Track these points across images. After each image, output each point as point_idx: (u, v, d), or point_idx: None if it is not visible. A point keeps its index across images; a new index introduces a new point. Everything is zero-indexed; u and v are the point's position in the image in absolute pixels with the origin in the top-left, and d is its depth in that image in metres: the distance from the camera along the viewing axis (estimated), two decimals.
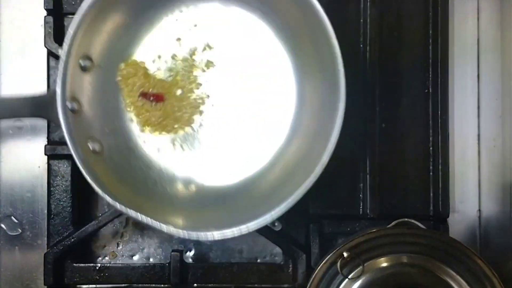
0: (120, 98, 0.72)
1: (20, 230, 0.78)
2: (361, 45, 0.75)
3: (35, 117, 0.70)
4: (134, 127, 0.72)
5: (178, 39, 0.72)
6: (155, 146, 0.73)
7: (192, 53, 0.72)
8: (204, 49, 0.72)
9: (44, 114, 0.67)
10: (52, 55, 0.75)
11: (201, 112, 0.72)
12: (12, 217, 0.78)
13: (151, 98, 0.71)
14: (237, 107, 0.72)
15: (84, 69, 0.67)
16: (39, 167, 0.77)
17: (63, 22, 0.75)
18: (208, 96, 0.72)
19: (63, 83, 0.65)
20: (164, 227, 0.63)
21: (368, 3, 0.75)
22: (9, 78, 0.78)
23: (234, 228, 0.63)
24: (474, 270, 0.66)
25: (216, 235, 0.63)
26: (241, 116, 0.72)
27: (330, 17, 0.75)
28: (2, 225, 0.78)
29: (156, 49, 0.72)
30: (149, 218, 0.63)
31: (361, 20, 0.76)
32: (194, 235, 0.63)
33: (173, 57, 0.72)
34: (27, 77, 0.78)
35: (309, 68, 0.70)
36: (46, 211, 0.76)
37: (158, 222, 0.63)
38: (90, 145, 0.68)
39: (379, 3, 0.75)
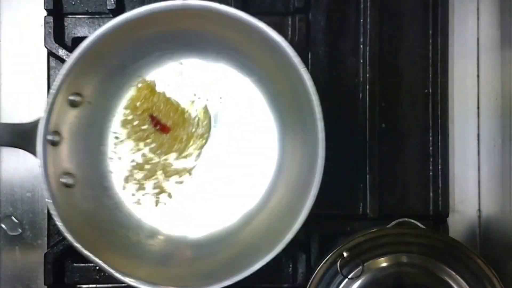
0: (104, 134, 0.71)
1: (20, 230, 0.78)
2: (361, 45, 0.76)
3: (12, 147, 0.68)
4: (113, 165, 0.72)
5: (175, 90, 0.72)
6: (130, 191, 0.72)
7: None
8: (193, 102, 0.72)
9: (23, 145, 0.65)
10: (52, 55, 0.75)
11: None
12: (12, 217, 0.78)
13: (158, 125, 0.71)
14: (217, 161, 0.72)
15: (73, 104, 0.66)
16: (39, 167, 0.77)
17: (63, 22, 0.75)
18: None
19: (48, 117, 0.63)
20: (122, 278, 0.63)
21: (368, 3, 0.75)
22: (9, 79, 0.78)
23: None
24: (473, 270, 0.66)
25: None
26: (219, 171, 0.72)
27: (329, 17, 0.75)
28: (3, 225, 0.78)
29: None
30: (105, 266, 0.63)
31: (361, 20, 0.76)
32: None
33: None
34: (27, 77, 0.78)
35: (292, 139, 0.70)
36: (46, 211, 0.76)
37: (115, 271, 0.63)
38: (64, 178, 0.67)
39: (379, 3, 0.75)
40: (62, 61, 0.74)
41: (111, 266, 0.63)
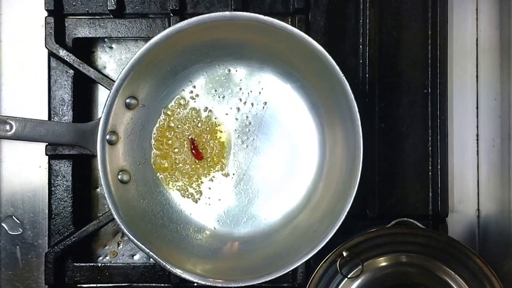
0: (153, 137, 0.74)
1: (21, 230, 0.78)
2: (361, 45, 0.76)
3: (75, 146, 0.72)
4: (164, 165, 0.74)
5: (222, 96, 0.74)
6: (181, 187, 0.74)
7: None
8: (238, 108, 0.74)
9: (83, 143, 0.70)
10: (53, 56, 0.75)
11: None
12: (13, 217, 0.78)
13: (193, 150, 0.73)
14: (262, 163, 0.74)
15: (128, 106, 0.70)
16: (40, 167, 0.78)
17: (64, 23, 0.75)
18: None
19: (106, 118, 0.67)
20: (172, 269, 0.66)
21: (368, 3, 0.75)
22: (10, 79, 0.78)
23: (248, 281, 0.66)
24: (473, 269, 0.66)
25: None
26: (265, 172, 0.74)
27: (329, 18, 0.75)
28: (3, 225, 0.78)
29: (196, 99, 0.74)
30: (160, 260, 0.66)
31: (361, 20, 0.76)
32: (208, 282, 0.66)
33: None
34: (28, 78, 0.78)
35: (333, 141, 0.72)
36: (47, 211, 0.76)
37: (166, 263, 0.66)
38: (120, 175, 0.70)
39: (379, 3, 0.76)
40: (63, 61, 0.74)
41: (162, 257, 0.66)
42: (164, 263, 0.66)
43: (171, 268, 0.66)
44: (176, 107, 0.74)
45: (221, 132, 0.74)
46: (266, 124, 0.74)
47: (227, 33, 0.68)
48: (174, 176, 0.74)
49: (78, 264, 0.75)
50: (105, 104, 0.67)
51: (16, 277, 0.78)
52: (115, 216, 0.66)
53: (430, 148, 0.75)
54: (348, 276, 0.66)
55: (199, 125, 0.74)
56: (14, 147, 0.78)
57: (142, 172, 0.72)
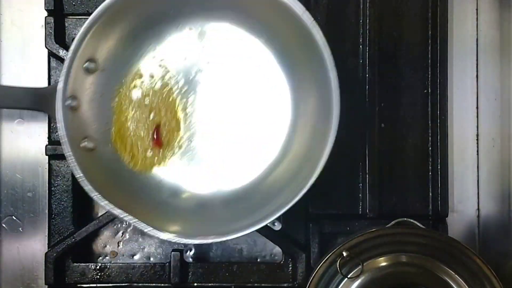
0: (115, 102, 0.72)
1: (21, 230, 0.78)
2: (361, 45, 0.76)
3: (33, 110, 0.70)
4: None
5: (184, 58, 0.73)
6: (148, 152, 0.73)
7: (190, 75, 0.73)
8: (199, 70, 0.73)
9: (43, 108, 0.68)
10: (53, 56, 0.75)
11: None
12: (13, 217, 0.78)
13: (155, 137, 0.72)
14: (233, 121, 0.73)
15: (87, 70, 0.68)
16: (40, 167, 0.78)
17: (64, 23, 0.75)
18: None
19: (65, 82, 0.65)
20: (158, 233, 0.65)
21: (368, 3, 0.75)
22: (10, 79, 0.78)
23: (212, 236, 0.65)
24: (473, 269, 0.66)
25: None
26: (236, 130, 0.73)
27: (329, 17, 0.75)
28: (3, 225, 0.78)
29: (158, 62, 0.73)
30: (141, 223, 0.65)
31: (361, 20, 0.76)
32: (188, 241, 0.65)
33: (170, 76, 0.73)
34: (28, 78, 0.78)
35: (305, 92, 0.71)
36: (47, 211, 0.76)
37: (150, 227, 0.65)
38: (85, 143, 0.68)
39: (379, 3, 0.75)
40: (63, 61, 0.74)
41: (149, 224, 0.65)
42: (145, 226, 0.64)
43: (155, 232, 0.64)
44: (137, 74, 0.72)
45: (186, 94, 0.72)
46: (235, 80, 0.73)
47: None
48: (142, 142, 0.72)
49: (78, 264, 0.75)
50: (64, 67, 0.65)
51: (16, 277, 0.78)
52: (84, 184, 0.65)
53: (430, 148, 0.75)
54: (348, 276, 0.66)
55: (162, 92, 0.72)
56: (14, 147, 0.78)
57: (107, 138, 0.71)
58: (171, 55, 0.73)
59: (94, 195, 0.65)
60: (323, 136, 0.66)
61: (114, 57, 0.70)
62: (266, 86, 0.73)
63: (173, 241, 0.65)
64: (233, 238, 0.65)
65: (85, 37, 0.65)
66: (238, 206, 0.71)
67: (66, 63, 0.65)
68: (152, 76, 0.73)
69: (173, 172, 0.73)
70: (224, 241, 0.66)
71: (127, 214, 0.65)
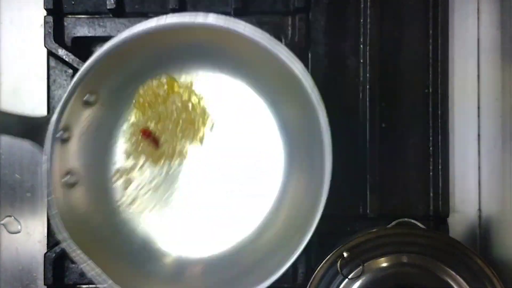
0: (111, 137, 0.71)
1: (20, 230, 0.78)
2: (361, 45, 0.76)
3: (22, 138, 0.67)
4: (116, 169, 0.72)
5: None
6: (131, 196, 0.72)
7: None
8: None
9: (33, 137, 0.65)
10: (52, 55, 0.75)
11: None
12: (12, 217, 0.78)
13: (150, 137, 0.71)
14: (222, 177, 0.72)
15: (86, 103, 0.67)
16: (39, 167, 0.77)
17: (63, 22, 0.75)
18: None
19: (61, 113, 0.63)
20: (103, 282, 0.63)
21: (368, 3, 0.75)
22: (9, 79, 0.78)
23: None
24: (474, 270, 0.66)
25: None
26: (225, 187, 0.72)
27: (330, 17, 0.75)
28: (3, 225, 0.78)
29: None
30: (95, 272, 0.63)
31: (361, 20, 0.76)
32: None
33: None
34: (27, 77, 0.78)
35: (298, 157, 0.70)
36: (46, 211, 0.76)
37: (99, 276, 0.63)
38: (67, 177, 0.67)
39: (379, 3, 0.75)
40: (62, 61, 0.74)
41: (100, 269, 0.63)
42: (96, 275, 0.62)
43: (102, 281, 0.63)
44: (138, 111, 0.71)
45: (187, 142, 0.72)
46: (231, 137, 0.72)
47: (199, 37, 0.66)
48: (128, 187, 0.71)
49: (77, 265, 0.74)
50: (62, 99, 0.63)
51: (15, 278, 0.77)
52: (55, 220, 0.62)
53: (431, 148, 0.75)
54: (349, 277, 0.66)
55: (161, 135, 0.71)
56: (13, 147, 0.78)
57: (92, 176, 0.69)
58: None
59: (63, 233, 0.63)
60: (315, 197, 0.64)
61: (114, 93, 0.69)
62: (263, 147, 0.72)
63: None
64: None
65: (88, 71, 0.63)
66: (223, 272, 0.69)
67: (66, 94, 0.63)
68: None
69: (153, 230, 0.72)
70: None
71: (89, 259, 0.63)
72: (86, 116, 0.68)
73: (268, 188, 0.72)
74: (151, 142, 0.71)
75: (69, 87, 0.63)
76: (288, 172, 0.72)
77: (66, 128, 0.65)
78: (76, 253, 0.63)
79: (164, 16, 0.62)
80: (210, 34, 0.64)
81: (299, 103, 0.65)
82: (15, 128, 0.65)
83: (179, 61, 0.70)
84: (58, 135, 0.64)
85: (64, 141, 0.66)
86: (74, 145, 0.67)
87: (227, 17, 0.62)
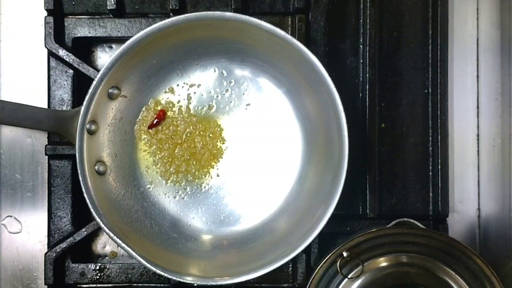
0: (134, 126, 0.73)
1: (20, 230, 0.78)
2: (361, 45, 0.76)
3: (52, 132, 0.72)
4: (144, 158, 0.74)
5: (207, 96, 0.74)
6: (157, 183, 0.74)
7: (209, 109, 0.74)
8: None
9: (62, 131, 0.69)
10: (52, 56, 0.75)
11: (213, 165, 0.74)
12: (13, 217, 0.78)
13: (155, 121, 0.73)
14: (248, 160, 0.74)
15: (110, 96, 0.70)
16: (39, 167, 0.78)
17: (63, 23, 0.75)
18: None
19: (88, 106, 0.67)
20: (146, 264, 0.66)
21: (368, 3, 0.75)
22: (10, 79, 0.78)
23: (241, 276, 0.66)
24: (473, 269, 0.66)
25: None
26: (251, 169, 0.74)
27: (329, 17, 0.75)
28: (3, 225, 0.78)
29: (179, 97, 0.74)
30: (132, 251, 0.66)
31: (361, 20, 0.76)
32: (174, 277, 0.66)
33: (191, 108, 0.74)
34: (27, 77, 0.78)
35: (316, 144, 0.72)
36: (46, 211, 0.76)
37: (140, 257, 0.66)
38: (97, 166, 0.70)
39: (379, 3, 0.76)
40: (62, 61, 0.74)
41: (137, 252, 0.66)
42: (138, 257, 0.65)
43: (145, 263, 0.65)
44: (159, 102, 0.73)
45: (210, 134, 0.74)
46: (251, 126, 0.74)
47: (219, 32, 0.68)
48: (154, 171, 0.74)
49: (77, 265, 0.75)
50: (88, 92, 0.67)
51: (15, 277, 0.78)
52: (90, 207, 0.66)
53: (430, 148, 0.75)
54: (349, 277, 0.66)
55: (181, 124, 0.73)
56: (13, 147, 0.78)
57: (119, 164, 0.72)
58: (193, 90, 0.74)
59: (98, 219, 0.66)
60: (335, 172, 0.66)
61: (138, 85, 0.72)
62: (281, 134, 0.74)
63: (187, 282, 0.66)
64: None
65: (114, 65, 0.67)
66: (249, 246, 0.72)
67: (92, 88, 0.67)
68: (172, 107, 0.74)
69: (183, 209, 0.74)
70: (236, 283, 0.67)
71: (126, 242, 0.66)
72: (111, 108, 0.70)
73: (291, 166, 0.73)
74: (157, 120, 0.73)
75: (95, 81, 0.67)
76: (306, 157, 0.73)
77: (93, 120, 0.68)
78: (110, 235, 0.66)
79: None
80: (228, 28, 0.67)
81: (314, 90, 0.68)
82: (45, 122, 0.69)
83: (196, 56, 0.72)
84: (87, 126, 0.67)
85: (92, 132, 0.69)
86: (101, 136, 0.70)
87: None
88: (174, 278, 0.66)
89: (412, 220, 0.71)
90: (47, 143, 0.75)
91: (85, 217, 0.77)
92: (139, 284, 0.75)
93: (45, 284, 0.74)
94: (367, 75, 0.75)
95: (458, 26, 0.79)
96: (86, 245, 0.77)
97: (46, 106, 0.75)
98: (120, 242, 0.66)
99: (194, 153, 0.74)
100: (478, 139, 0.79)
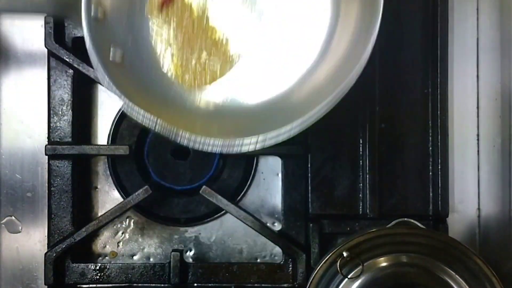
0: (145, 10, 0.68)
1: (20, 230, 0.78)
2: None
3: (57, 15, 0.67)
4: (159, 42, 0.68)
5: None
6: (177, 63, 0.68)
7: None
8: None
9: (67, 15, 0.65)
10: (52, 56, 0.75)
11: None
12: (13, 217, 0.78)
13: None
14: (269, 26, 0.69)
15: None
16: (39, 167, 0.78)
17: (63, 23, 0.75)
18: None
19: None
20: (186, 135, 0.60)
21: None
22: (10, 79, 0.78)
23: (253, 137, 0.61)
24: (473, 269, 0.66)
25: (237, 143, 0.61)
26: (272, 36, 0.69)
27: None
28: (3, 225, 0.78)
29: None
30: (173, 127, 0.60)
31: None
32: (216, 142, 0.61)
33: None
34: (28, 77, 0.78)
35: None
36: (46, 211, 0.76)
37: (179, 130, 0.60)
38: (111, 54, 0.65)
39: None
40: (63, 61, 0.74)
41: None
42: (181, 132, 0.60)
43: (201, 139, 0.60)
44: None
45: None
46: None
47: None
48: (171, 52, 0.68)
49: (77, 265, 0.75)
50: None
51: (15, 277, 0.78)
52: (115, 91, 0.61)
53: (430, 148, 0.75)
54: (349, 277, 0.66)
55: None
56: (14, 147, 0.78)
57: (135, 50, 0.67)
58: None
59: (125, 101, 0.61)
60: (364, 36, 0.63)
61: None
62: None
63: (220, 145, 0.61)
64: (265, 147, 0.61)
65: None
66: (276, 110, 0.67)
67: None
68: None
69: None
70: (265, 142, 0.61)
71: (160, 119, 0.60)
72: None
73: (312, 40, 0.69)
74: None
75: None
76: (336, 13, 0.69)
77: (98, 4, 0.63)
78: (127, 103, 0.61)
79: None
80: None
81: None
82: (48, 5, 0.67)
83: None
84: (92, 9, 0.62)
85: (100, 18, 0.63)
86: (110, 22, 0.65)
87: None
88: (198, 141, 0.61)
89: (412, 220, 0.71)
90: (47, 143, 0.75)
91: (85, 217, 0.77)
92: (139, 285, 0.75)
93: (45, 284, 0.74)
94: (367, 75, 0.75)
95: (458, 26, 0.79)
96: (86, 245, 0.77)
97: (46, 106, 0.75)
98: (156, 122, 0.60)
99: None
100: (478, 139, 0.79)
